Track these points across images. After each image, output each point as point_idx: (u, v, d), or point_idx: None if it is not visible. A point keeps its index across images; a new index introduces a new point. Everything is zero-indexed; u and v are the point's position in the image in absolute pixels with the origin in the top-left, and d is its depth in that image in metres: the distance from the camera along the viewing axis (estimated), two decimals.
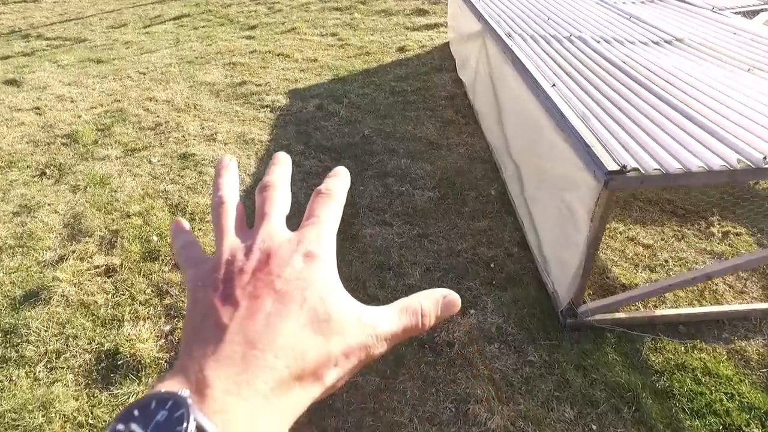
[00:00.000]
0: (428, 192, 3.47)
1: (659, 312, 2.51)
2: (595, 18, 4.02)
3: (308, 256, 0.35)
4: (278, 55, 6.27)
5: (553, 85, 2.75)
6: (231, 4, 9.06)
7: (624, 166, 1.97)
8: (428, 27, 6.93)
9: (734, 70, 3.03)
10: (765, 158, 2.01)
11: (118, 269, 2.89)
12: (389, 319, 0.35)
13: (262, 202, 0.39)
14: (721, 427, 2.03)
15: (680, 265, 2.86)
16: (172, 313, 2.63)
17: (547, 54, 3.29)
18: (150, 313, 2.63)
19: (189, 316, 0.33)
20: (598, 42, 3.54)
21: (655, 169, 1.98)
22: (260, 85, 5.36)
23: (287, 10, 8.32)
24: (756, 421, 2.04)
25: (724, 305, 2.57)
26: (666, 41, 3.58)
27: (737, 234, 3.09)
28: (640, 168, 1.98)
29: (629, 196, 3.44)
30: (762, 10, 4.50)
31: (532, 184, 2.91)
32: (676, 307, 2.57)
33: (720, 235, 3.09)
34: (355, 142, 4.13)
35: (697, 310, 2.52)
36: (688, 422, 2.05)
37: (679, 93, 2.65)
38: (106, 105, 4.95)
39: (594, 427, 2.03)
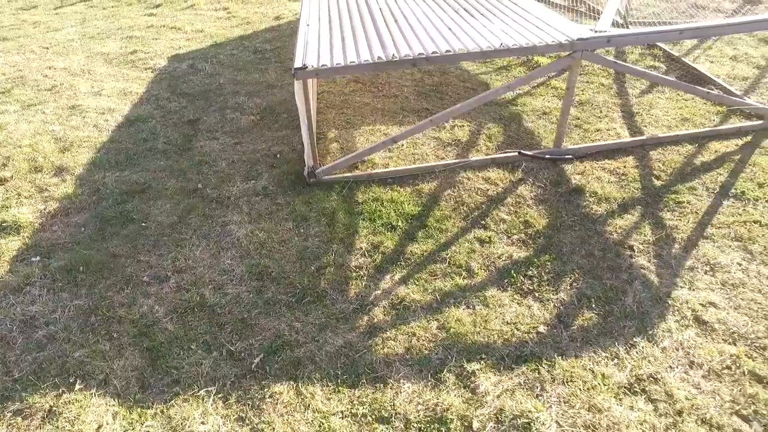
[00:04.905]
0: (252, 116, 4.65)
1: (375, 171, 3.77)
2: None
3: None
4: (171, 29, 7.31)
5: (307, 24, 3.95)
6: None
7: (304, 65, 3.19)
8: None
9: (447, 10, 4.27)
10: (394, 55, 3.26)
11: (8, 179, 4.00)
12: None
13: None
14: (380, 223, 3.30)
15: (411, 146, 4.13)
16: (47, 198, 3.75)
17: (328, 5, 4.49)
18: (32, 201, 3.75)
19: None
20: None
21: (322, 65, 3.20)
22: (148, 53, 6.41)
23: None
24: (402, 220, 3.32)
25: (420, 164, 3.85)
26: None
27: (461, 126, 4.38)
28: (314, 65, 3.20)
29: (399, 108, 4.70)
30: None
31: None
32: (388, 168, 3.83)
33: (449, 126, 4.38)
34: (211, 89, 5.27)
35: (399, 168, 3.79)
36: (362, 224, 3.31)
37: (392, 22, 3.88)
38: (8, 74, 5.94)
39: (301, 230, 3.28)
